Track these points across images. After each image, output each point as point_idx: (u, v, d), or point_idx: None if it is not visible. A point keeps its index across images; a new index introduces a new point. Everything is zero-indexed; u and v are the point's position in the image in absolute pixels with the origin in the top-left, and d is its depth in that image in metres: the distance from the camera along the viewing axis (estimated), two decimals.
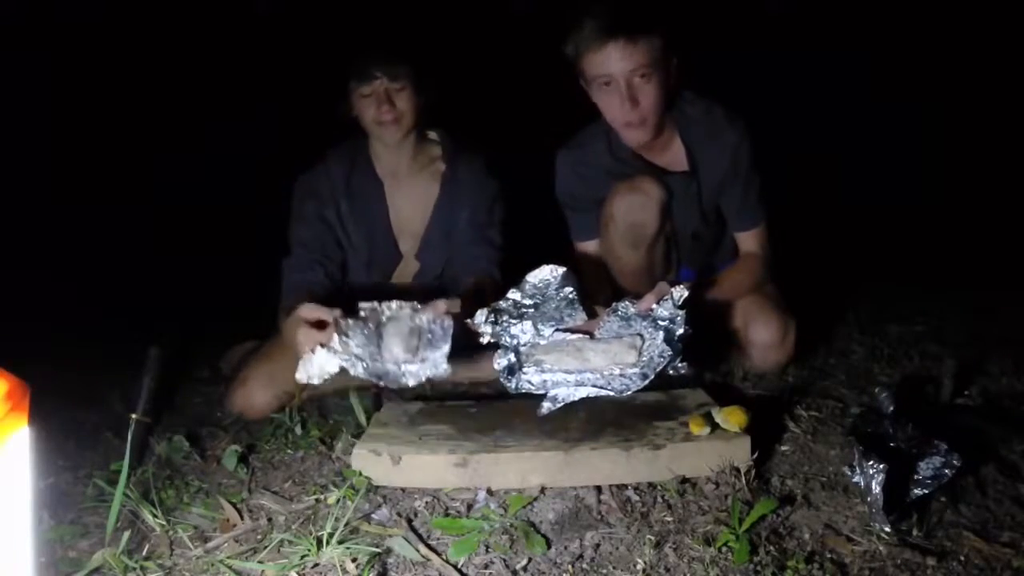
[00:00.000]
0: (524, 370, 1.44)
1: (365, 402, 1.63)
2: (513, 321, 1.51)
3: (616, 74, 1.73)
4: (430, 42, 2.18)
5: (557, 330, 1.52)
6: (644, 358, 1.45)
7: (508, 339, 1.51)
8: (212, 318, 2.79)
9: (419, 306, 1.46)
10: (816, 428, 1.54)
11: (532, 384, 1.42)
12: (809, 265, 2.56)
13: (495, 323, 1.50)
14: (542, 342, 1.51)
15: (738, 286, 1.91)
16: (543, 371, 1.43)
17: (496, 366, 1.48)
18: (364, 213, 2.03)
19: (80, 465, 1.53)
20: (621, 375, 1.43)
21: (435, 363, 1.39)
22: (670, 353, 1.41)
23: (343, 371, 1.39)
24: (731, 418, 1.34)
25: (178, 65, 4.00)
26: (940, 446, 1.20)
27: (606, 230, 1.95)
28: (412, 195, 2.05)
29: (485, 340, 1.50)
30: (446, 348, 1.40)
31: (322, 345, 1.38)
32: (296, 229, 2.01)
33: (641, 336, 1.49)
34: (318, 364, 1.36)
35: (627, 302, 1.55)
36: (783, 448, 1.46)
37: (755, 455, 1.31)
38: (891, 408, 1.38)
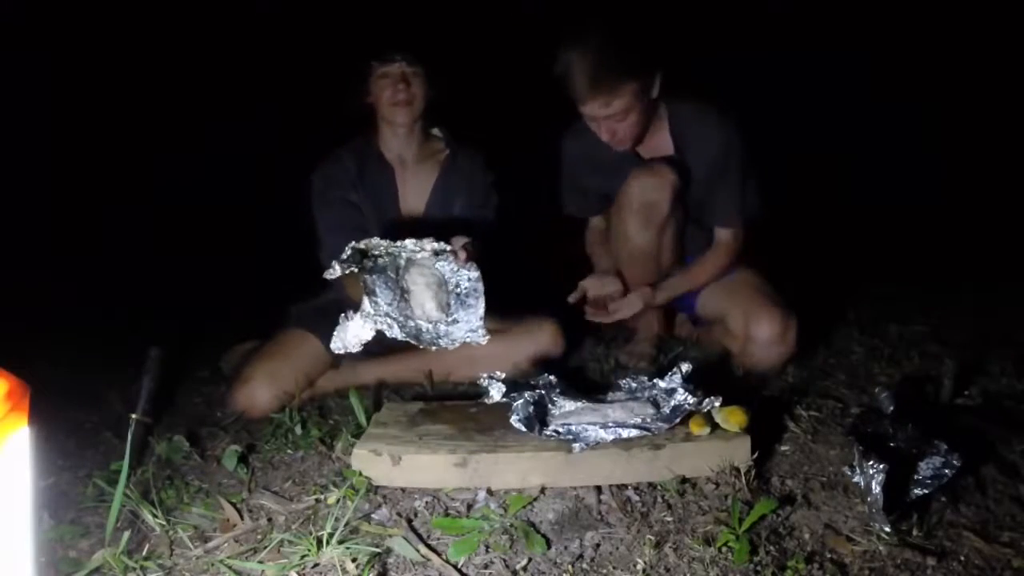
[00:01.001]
0: (548, 425, 1.41)
1: (365, 402, 1.63)
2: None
3: (597, 118, 1.88)
4: (444, 40, 2.24)
5: (571, 399, 1.48)
6: (666, 410, 1.43)
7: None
8: (212, 318, 2.79)
9: (436, 245, 1.47)
10: (816, 428, 1.54)
11: (558, 433, 1.37)
12: (809, 265, 2.56)
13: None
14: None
15: (707, 276, 2.03)
16: (568, 424, 1.39)
17: (513, 419, 1.39)
18: (377, 198, 2.08)
19: (80, 465, 1.53)
20: (648, 422, 1.38)
21: (471, 327, 1.40)
22: (694, 399, 1.39)
23: (378, 335, 1.39)
24: (731, 418, 1.34)
25: (178, 64, 4.00)
26: (940, 446, 1.20)
27: (619, 213, 2.02)
28: (416, 182, 2.11)
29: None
30: (480, 309, 1.41)
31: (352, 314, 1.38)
32: (323, 218, 2.06)
33: (655, 401, 1.47)
34: (352, 332, 1.35)
35: (630, 379, 1.57)
36: (783, 448, 1.46)
37: (755, 455, 1.31)
38: (891, 408, 1.38)
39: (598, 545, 1.13)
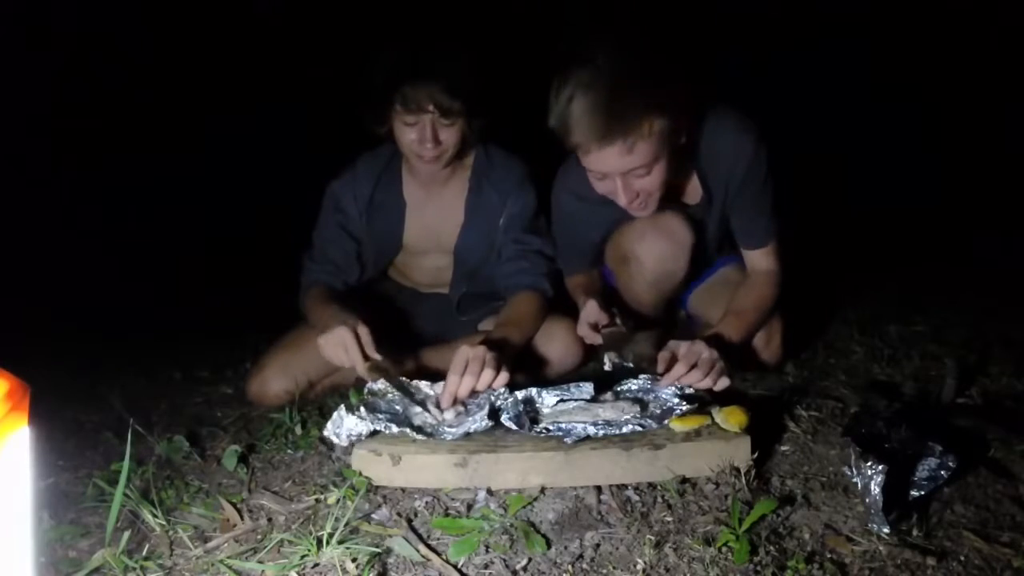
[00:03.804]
0: (537, 423, 1.41)
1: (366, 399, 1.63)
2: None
3: (611, 173, 1.52)
4: (494, 66, 1.90)
5: (561, 400, 1.49)
6: (657, 410, 1.44)
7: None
8: (213, 318, 2.79)
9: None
10: (816, 428, 1.54)
11: (548, 430, 1.36)
12: (809, 265, 2.56)
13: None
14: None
15: (760, 315, 1.78)
16: (559, 422, 1.38)
17: (503, 417, 1.39)
18: (380, 229, 2.00)
19: (80, 465, 1.53)
20: (638, 418, 1.39)
21: (475, 420, 1.39)
22: (685, 406, 1.40)
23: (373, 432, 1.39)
24: (731, 418, 1.34)
25: (177, 64, 4.00)
26: (935, 447, 1.20)
27: (626, 267, 1.82)
28: (442, 204, 1.97)
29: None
30: (485, 410, 1.40)
31: (352, 411, 1.38)
32: (320, 235, 2.02)
33: (643, 401, 1.48)
34: (347, 427, 1.36)
35: (628, 387, 1.55)
36: (783, 448, 1.46)
37: (755, 455, 1.31)
38: (886, 409, 1.38)
39: (598, 545, 1.13)
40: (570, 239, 1.93)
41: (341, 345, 1.63)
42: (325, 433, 1.38)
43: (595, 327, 1.74)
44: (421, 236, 2.01)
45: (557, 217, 1.93)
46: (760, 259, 1.84)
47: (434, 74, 1.69)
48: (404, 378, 1.59)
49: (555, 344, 1.88)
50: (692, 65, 1.62)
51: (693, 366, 1.48)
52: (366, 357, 1.62)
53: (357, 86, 1.80)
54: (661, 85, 1.43)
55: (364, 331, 1.65)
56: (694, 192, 1.82)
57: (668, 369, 1.50)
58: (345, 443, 1.36)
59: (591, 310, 1.77)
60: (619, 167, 1.47)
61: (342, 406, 1.40)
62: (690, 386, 1.48)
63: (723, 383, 1.49)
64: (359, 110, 1.82)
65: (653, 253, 1.74)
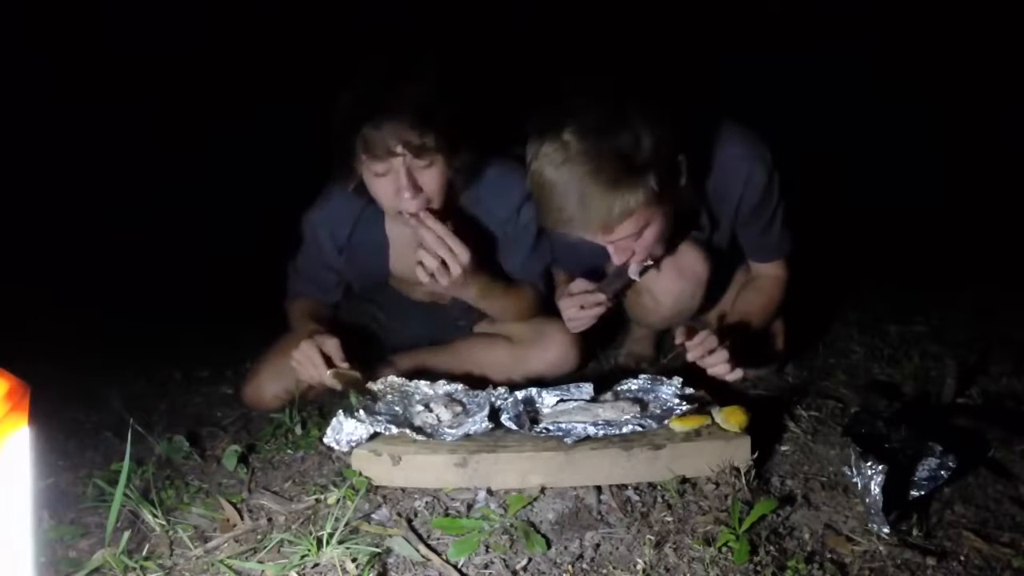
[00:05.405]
0: (537, 423, 1.41)
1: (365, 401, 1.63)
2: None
3: (597, 242, 1.42)
4: (476, 81, 1.67)
5: (561, 400, 1.49)
6: (657, 410, 1.44)
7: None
8: (213, 318, 2.79)
9: (449, 387, 1.53)
10: (816, 428, 1.54)
11: (548, 430, 1.36)
12: (809, 265, 2.56)
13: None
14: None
15: (764, 320, 1.77)
16: (559, 422, 1.38)
17: (503, 417, 1.39)
18: (363, 266, 1.93)
19: (80, 465, 1.53)
20: (638, 418, 1.39)
21: (475, 421, 1.38)
22: (685, 406, 1.40)
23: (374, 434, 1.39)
24: (731, 418, 1.34)
25: (178, 64, 4.00)
26: (935, 447, 1.20)
27: (639, 298, 1.77)
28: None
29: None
30: (485, 411, 1.40)
31: (350, 414, 1.38)
32: (302, 257, 1.97)
33: (643, 401, 1.48)
34: (346, 432, 1.37)
35: (628, 387, 1.55)
36: (783, 448, 1.46)
37: (755, 455, 1.31)
38: (886, 409, 1.39)
39: (598, 545, 1.13)
40: (565, 261, 1.85)
41: (308, 360, 1.61)
42: (325, 440, 1.38)
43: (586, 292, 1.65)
44: (410, 269, 1.78)
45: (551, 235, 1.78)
46: (769, 268, 1.82)
47: (397, 108, 1.44)
48: (377, 383, 1.58)
49: (552, 349, 1.86)
50: (688, 92, 1.50)
51: (711, 352, 1.47)
52: (333, 367, 1.59)
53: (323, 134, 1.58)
54: (641, 151, 1.27)
55: (331, 343, 1.61)
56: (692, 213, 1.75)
57: (687, 343, 1.49)
58: (346, 448, 1.36)
59: (579, 282, 1.67)
60: (600, 241, 1.39)
61: (340, 411, 1.39)
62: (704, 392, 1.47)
63: (737, 374, 1.49)
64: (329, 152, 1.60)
65: (672, 293, 1.69)
